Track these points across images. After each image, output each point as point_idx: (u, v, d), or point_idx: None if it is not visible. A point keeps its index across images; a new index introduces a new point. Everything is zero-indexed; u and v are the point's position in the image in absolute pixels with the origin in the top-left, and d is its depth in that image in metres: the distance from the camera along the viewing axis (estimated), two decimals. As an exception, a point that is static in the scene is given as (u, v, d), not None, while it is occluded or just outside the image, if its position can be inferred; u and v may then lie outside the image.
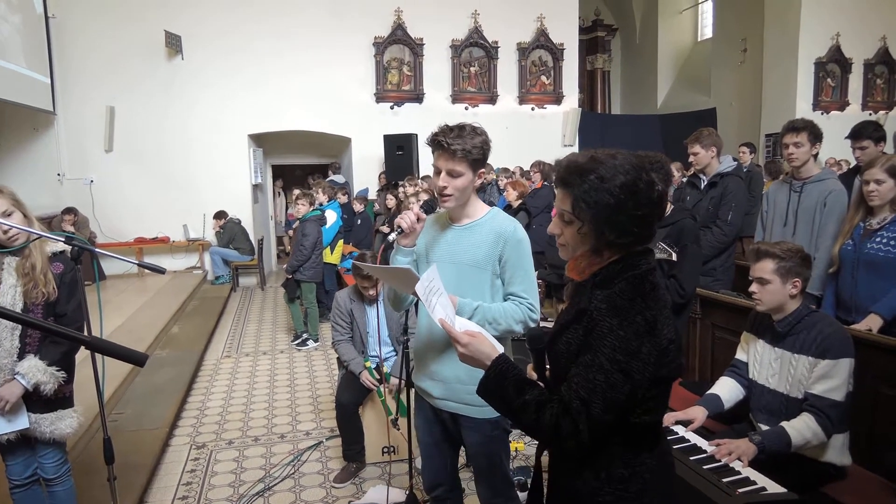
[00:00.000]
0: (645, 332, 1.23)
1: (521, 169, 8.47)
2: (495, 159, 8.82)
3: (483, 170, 2.03)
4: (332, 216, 6.71)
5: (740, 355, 2.48)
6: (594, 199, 1.27)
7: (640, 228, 1.30)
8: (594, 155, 1.31)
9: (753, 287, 2.29)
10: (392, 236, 2.05)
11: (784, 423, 2.16)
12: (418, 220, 2.04)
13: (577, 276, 1.40)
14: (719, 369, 3.16)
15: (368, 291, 3.61)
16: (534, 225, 6.09)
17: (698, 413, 2.36)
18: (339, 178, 9.45)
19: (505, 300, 2.04)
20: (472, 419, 2.08)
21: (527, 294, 2.02)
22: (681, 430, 2.34)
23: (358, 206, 8.08)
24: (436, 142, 1.98)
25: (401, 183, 7.53)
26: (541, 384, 1.40)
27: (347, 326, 3.65)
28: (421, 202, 4.95)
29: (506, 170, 8.38)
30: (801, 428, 2.11)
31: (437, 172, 2.00)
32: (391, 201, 7.47)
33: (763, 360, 2.34)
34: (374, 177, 9.73)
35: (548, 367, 1.44)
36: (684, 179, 4.66)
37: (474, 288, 2.01)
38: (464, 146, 1.94)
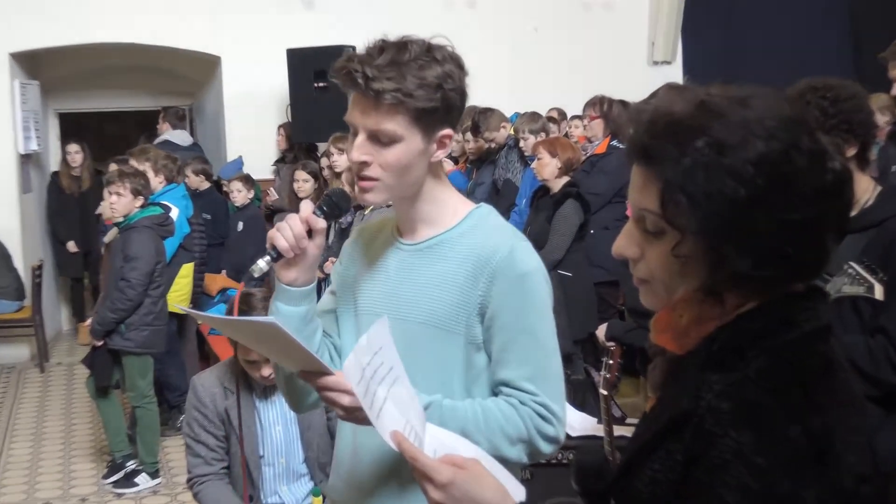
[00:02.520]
0: (808, 459, 1.25)
1: (561, 114, 8.52)
2: (514, 95, 8.92)
3: (446, 131, 2.09)
4: (173, 214, 6.77)
5: None
6: (705, 187, 1.28)
7: (799, 247, 1.30)
8: (705, 99, 1.33)
9: None
10: (261, 265, 2.07)
11: None
12: (311, 233, 2.07)
13: (673, 346, 1.44)
14: None
15: (259, 371, 3.63)
16: (591, 229, 6.14)
17: None
18: (179, 138, 9.35)
19: (495, 394, 2.12)
20: None
21: (535, 385, 2.08)
22: None
23: (241, 195, 8.16)
24: (348, 75, 2.01)
25: (323, 147, 7.56)
26: None
27: (220, 446, 3.64)
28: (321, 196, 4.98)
29: (535, 116, 8.40)
30: None
31: (355, 135, 2.07)
32: (304, 184, 7.46)
33: None
34: (268, 134, 9.86)
35: None
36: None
37: (433, 366, 2.10)
38: (399, 85, 1.97)
